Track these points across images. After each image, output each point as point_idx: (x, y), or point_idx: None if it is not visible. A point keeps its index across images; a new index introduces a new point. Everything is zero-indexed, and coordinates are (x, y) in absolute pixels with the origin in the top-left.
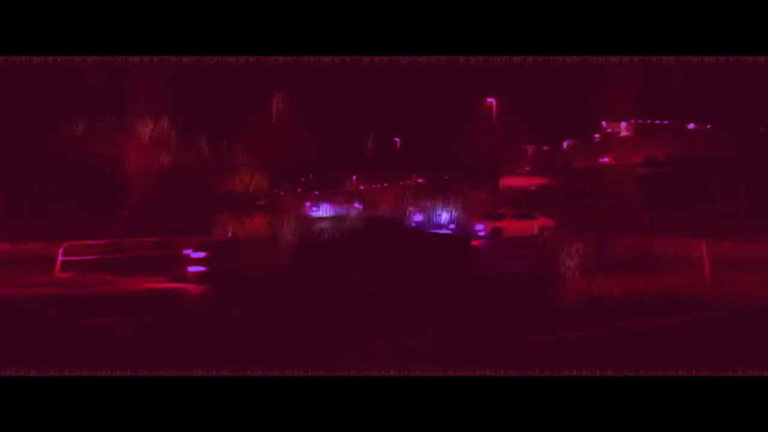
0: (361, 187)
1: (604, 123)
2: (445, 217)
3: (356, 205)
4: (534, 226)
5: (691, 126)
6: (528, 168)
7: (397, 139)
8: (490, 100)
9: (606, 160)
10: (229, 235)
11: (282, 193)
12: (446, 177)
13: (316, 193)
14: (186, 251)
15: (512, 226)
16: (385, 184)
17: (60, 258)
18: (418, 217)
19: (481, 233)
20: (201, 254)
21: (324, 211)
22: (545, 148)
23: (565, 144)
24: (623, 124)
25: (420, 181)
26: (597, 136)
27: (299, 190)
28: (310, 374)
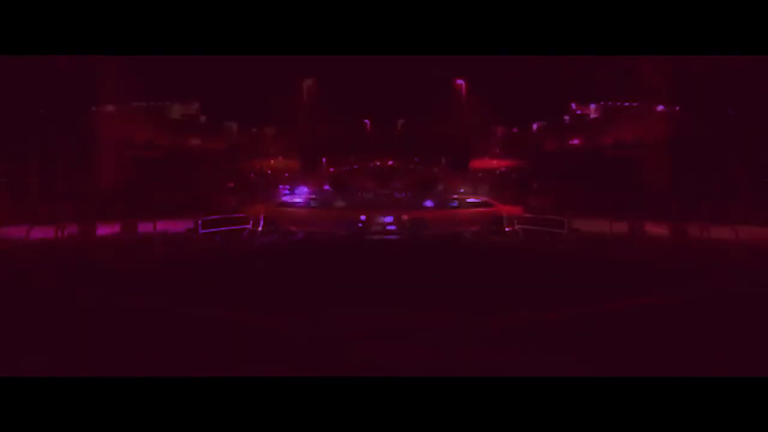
0: (331, 170)
1: (573, 105)
2: None
3: (326, 187)
4: (479, 216)
5: (660, 108)
6: (498, 150)
7: (366, 121)
8: (460, 81)
9: (576, 142)
10: None
11: (252, 175)
12: (416, 159)
13: (286, 174)
14: None
15: (441, 217)
16: (356, 166)
17: None
18: None
19: (391, 227)
20: None
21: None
22: (515, 130)
23: (534, 126)
24: (593, 107)
25: (390, 163)
26: (567, 118)
27: (269, 172)
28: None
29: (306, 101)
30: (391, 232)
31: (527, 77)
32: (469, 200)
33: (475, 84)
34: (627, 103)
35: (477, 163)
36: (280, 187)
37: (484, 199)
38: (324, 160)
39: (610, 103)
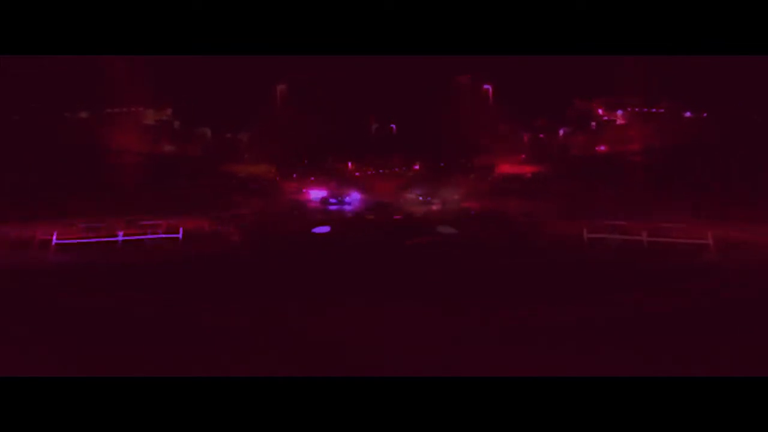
0: (357, 174)
1: (600, 111)
2: None
3: (354, 194)
4: None
5: (687, 114)
6: (523, 156)
7: (393, 126)
8: (487, 86)
9: (602, 148)
10: None
11: (277, 178)
12: (442, 164)
13: (312, 179)
14: None
15: None
16: (381, 171)
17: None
18: None
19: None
20: None
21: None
22: (541, 135)
23: (561, 132)
24: (620, 112)
25: (416, 167)
26: (594, 123)
27: (294, 175)
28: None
29: (328, 105)
30: None
31: (555, 83)
32: None
33: (503, 89)
34: (654, 110)
35: (502, 168)
36: (316, 192)
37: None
38: (350, 164)
39: (637, 109)
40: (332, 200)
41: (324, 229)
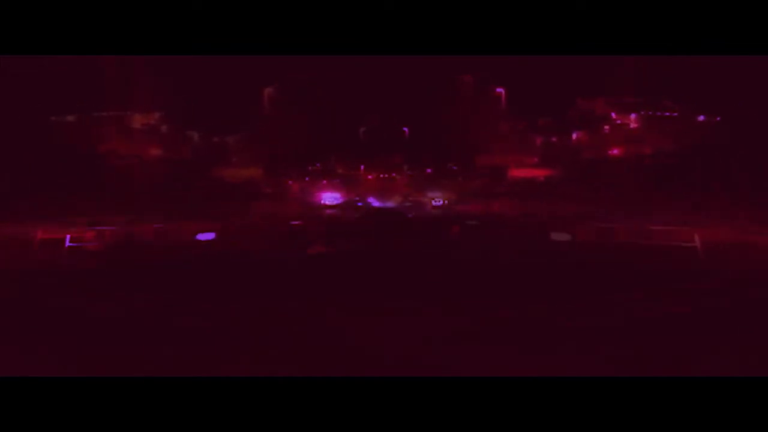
0: (369, 177)
1: (613, 114)
2: None
3: (371, 201)
4: None
5: (701, 118)
6: (536, 159)
7: (405, 129)
8: (500, 90)
9: (615, 152)
10: None
11: (290, 182)
12: (454, 167)
13: (324, 182)
14: None
15: None
16: (393, 174)
17: None
18: None
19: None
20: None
21: None
22: (554, 139)
23: (574, 135)
24: (633, 116)
25: (428, 171)
26: (607, 127)
27: (307, 179)
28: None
29: (344, 107)
30: None
31: (568, 86)
32: None
33: (515, 93)
34: (667, 113)
35: (515, 171)
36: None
37: None
38: (362, 167)
39: (650, 113)
40: (360, 204)
41: (209, 236)
